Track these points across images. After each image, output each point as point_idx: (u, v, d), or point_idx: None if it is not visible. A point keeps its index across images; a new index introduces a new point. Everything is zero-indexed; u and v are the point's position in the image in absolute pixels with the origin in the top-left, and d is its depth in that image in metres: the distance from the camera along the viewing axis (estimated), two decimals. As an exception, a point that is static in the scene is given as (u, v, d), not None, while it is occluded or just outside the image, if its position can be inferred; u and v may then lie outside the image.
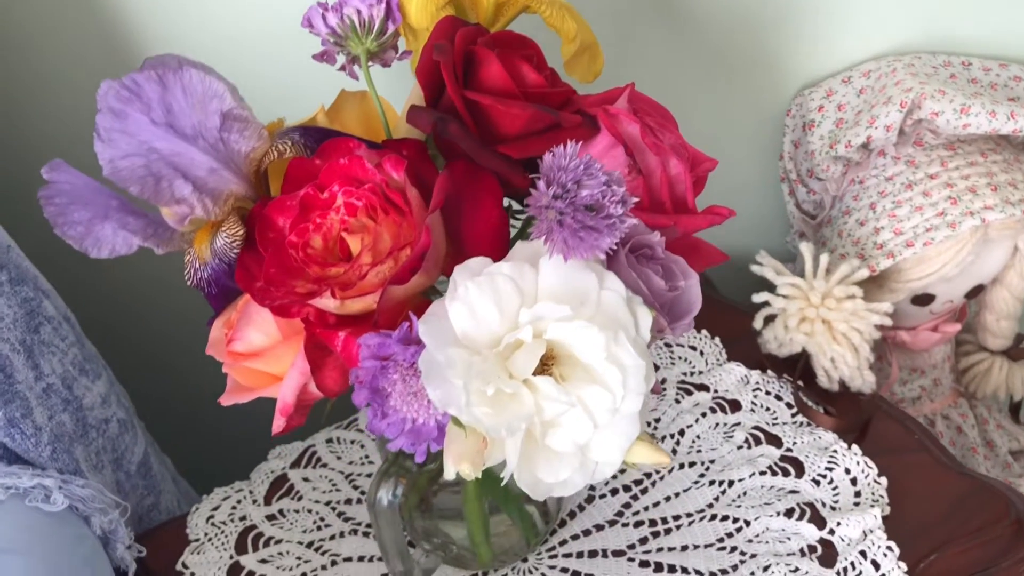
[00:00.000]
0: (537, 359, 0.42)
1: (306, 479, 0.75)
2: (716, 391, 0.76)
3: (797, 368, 0.75)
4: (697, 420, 0.74)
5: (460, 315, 0.42)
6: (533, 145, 0.48)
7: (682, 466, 0.71)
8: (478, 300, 0.42)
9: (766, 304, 0.75)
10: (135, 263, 0.92)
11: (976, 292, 0.85)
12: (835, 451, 0.69)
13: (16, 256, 0.67)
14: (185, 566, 0.69)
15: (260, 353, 0.49)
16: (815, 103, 0.83)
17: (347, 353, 0.47)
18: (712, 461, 0.71)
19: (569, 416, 0.42)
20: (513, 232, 0.51)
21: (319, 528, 0.71)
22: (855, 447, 0.69)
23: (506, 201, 0.50)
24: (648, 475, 0.71)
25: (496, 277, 0.42)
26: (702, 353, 0.80)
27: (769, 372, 0.77)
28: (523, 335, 0.42)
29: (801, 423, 0.73)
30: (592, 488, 0.70)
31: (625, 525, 0.68)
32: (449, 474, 0.42)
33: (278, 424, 0.49)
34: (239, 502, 0.74)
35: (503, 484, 0.43)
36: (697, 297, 0.48)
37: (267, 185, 0.52)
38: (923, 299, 0.83)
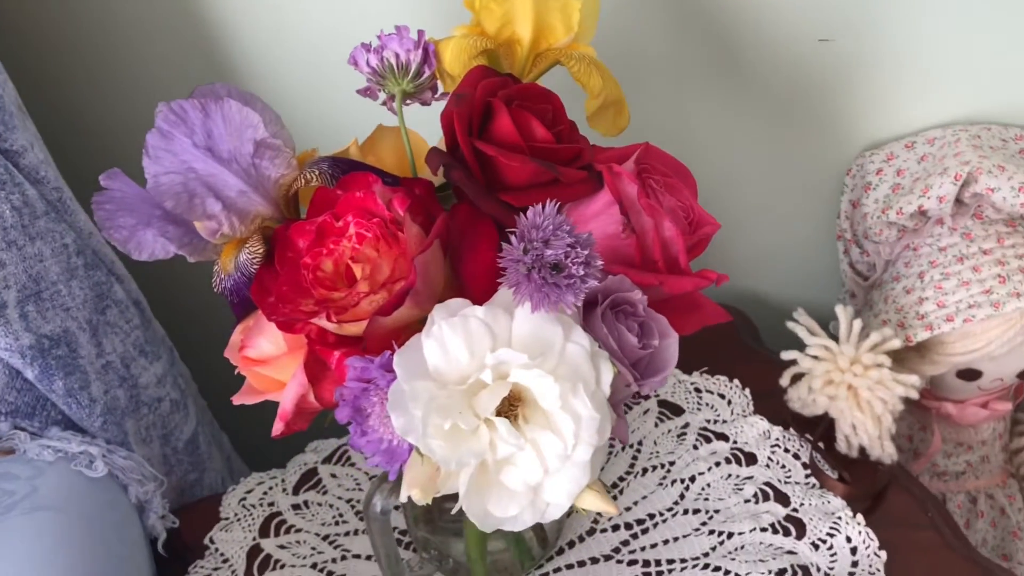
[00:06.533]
0: (499, 399, 0.45)
1: (333, 475, 0.80)
2: (735, 442, 0.77)
3: (818, 429, 0.75)
4: (710, 468, 0.75)
5: (433, 351, 0.46)
6: (533, 195, 0.51)
7: (686, 512, 0.72)
8: (450, 339, 0.45)
9: (795, 362, 0.76)
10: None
11: (1030, 373, 0.83)
12: (840, 518, 0.69)
13: (96, 242, 0.74)
14: (212, 541, 0.75)
15: (269, 361, 0.54)
16: (875, 165, 0.82)
17: (340, 371, 0.51)
18: (717, 511, 0.72)
19: (522, 457, 0.45)
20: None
21: (337, 523, 0.76)
22: (859, 516, 0.69)
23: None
24: (651, 515, 0.72)
25: (470, 319, 0.46)
26: (730, 403, 0.81)
27: (791, 430, 0.77)
28: (484, 376, 0.45)
29: (813, 484, 0.73)
30: (595, 521, 0.73)
31: (620, 562, 0.70)
32: (402, 496, 0.46)
33: (277, 428, 0.54)
34: (271, 488, 0.80)
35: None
36: (672, 356, 0.50)
37: (297, 208, 0.56)
38: (970, 374, 0.82)
